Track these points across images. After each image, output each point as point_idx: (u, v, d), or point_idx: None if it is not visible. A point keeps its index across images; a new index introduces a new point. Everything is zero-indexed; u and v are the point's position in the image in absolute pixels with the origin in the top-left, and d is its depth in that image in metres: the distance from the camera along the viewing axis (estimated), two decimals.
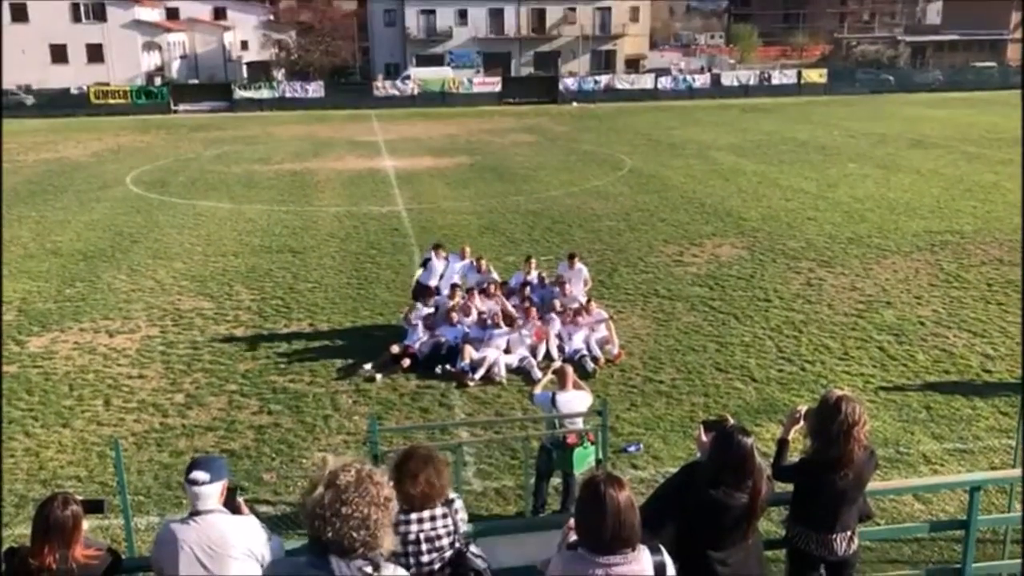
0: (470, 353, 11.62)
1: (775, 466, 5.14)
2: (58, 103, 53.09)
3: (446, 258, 13.64)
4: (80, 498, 4.51)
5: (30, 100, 53.90)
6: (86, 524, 4.38)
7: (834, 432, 4.75)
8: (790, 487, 5.16)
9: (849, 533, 5.03)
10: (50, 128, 44.65)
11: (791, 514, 5.20)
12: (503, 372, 11.52)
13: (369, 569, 2.99)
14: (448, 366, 11.66)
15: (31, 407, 10.92)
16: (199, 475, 4.20)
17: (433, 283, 13.32)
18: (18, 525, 8.10)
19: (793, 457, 5.22)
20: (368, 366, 11.81)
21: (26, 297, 15.47)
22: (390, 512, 3.06)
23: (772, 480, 4.95)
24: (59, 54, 65.69)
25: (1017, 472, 6.73)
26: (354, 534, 2.96)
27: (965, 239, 18.54)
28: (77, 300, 15.28)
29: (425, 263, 13.68)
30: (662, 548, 3.77)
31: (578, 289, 13.36)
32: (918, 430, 9.87)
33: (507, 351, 11.84)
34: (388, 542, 3.06)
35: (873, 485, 5.33)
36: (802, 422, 5.07)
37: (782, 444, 5.16)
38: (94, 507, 4.58)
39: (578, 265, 13.61)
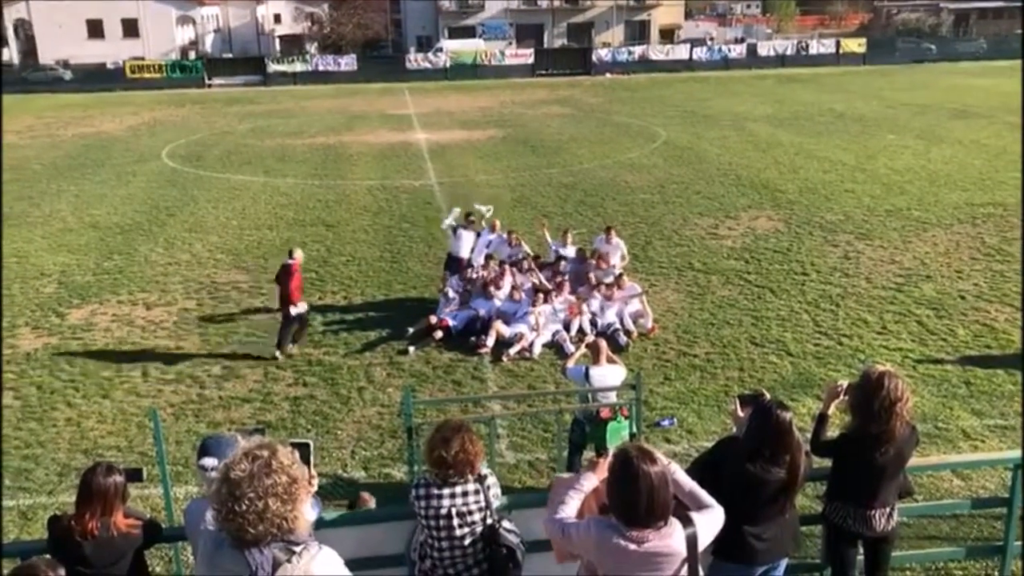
0: (499, 329, 11.63)
1: (814, 441, 5.08)
2: (95, 78, 53.76)
3: (477, 232, 13.62)
4: (121, 467, 4.60)
5: (68, 75, 54.61)
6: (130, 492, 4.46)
7: (876, 408, 4.67)
8: (827, 462, 5.10)
9: (888, 509, 4.97)
10: (87, 103, 45.15)
11: (829, 489, 5.14)
12: (537, 352, 11.49)
13: (283, 556, 2.92)
14: (483, 336, 11.67)
15: (72, 378, 11.13)
16: (208, 461, 4.25)
17: (464, 255, 13.32)
18: (61, 493, 8.29)
19: (832, 432, 5.16)
20: (411, 329, 11.99)
21: (65, 270, 15.72)
22: (296, 496, 2.95)
23: (810, 455, 4.90)
24: (95, 29, 66.34)
25: None
26: (251, 529, 2.87)
27: (1008, 211, 18.13)
28: (115, 273, 15.49)
29: (455, 231, 13.67)
30: (695, 520, 3.73)
31: (615, 261, 13.29)
32: (957, 405, 9.71)
33: (536, 328, 11.77)
34: (301, 524, 2.97)
35: (915, 461, 5.26)
36: (842, 397, 5.00)
37: (822, 419, 5.09)
38: (134, 475, 4.67)
39: (615, 239, 13.53)
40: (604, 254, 13.30)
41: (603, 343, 8.65)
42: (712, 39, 69.54)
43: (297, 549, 2.94)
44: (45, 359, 11.74)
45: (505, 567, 4.48)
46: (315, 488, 3.59)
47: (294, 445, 3.33)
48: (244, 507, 2.86)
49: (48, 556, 4.32)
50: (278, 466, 2.93)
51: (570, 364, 8.79)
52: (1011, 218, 17.58)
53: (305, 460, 3.31)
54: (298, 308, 11.61)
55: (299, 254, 12.05)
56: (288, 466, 2.96)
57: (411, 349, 11.62)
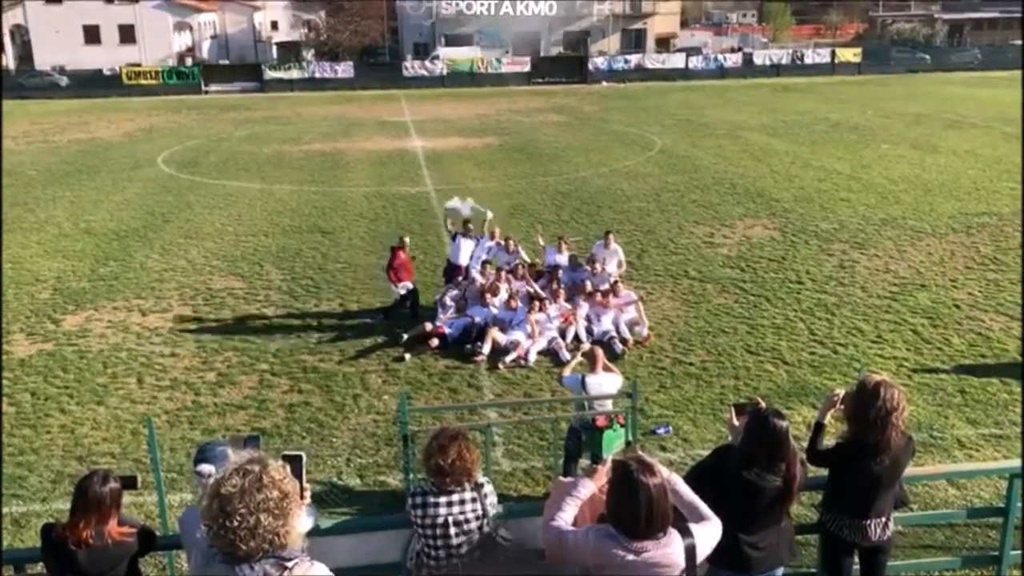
0: (495, 336, 11.62)
1: (810, 450, 5.08)
2: (91, 84, 53.61)
3: (476, 237, 13.63)
4: (115, 474, 4.58)
5: (64, 81, 54.49)
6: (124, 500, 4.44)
7: (872, 417, 4.67)
8: (823, 471, 5.10)
9: (884, 519, 4.97)
10: (83, 108, 45.10)
11: (825, 499, 5.15)
12: (532, 360, 11.48)
13: (275, 571, 2.89)
14: (479, 343, 11.66)
15: (66, 384, 11.09)
16: (205, 468, 4.24)
17: (463, 262, 13.33)
18: (55, 500, 8.26)
19: (828, 441, 5.16)
20: (406, 335, 11.98)
21: (61, 276, 15.68)
22: (288, 511, 2.92)
23: (806, 464, 4.90)
24: (92, 35, 66.29)
25: None
26: (243, 545, 2.85)
27: (1003, 221, 18.19)
28: (110, 279, 15.46)
29: (454, 238, 13.69)
30: (694, 531, 3.72)
31: (612, 268, 13.31)
32: (952, 414, 9.73)
33: (532, 336, 11.77)
34: (293, 539, 2.94)
35: (911, 470, 5.26)
36: (839, 406, 5.00)
37: (818, 428, 5.10)
38: (128, 483, 4.65)
39: (613, 245, 13.60)
40: (601, 260, 13.32)
41: (599, 351, 8.64)
42: (707, 46, 69.71)
43: (289, 564, 2.92)
44: (40, 365, 11.70)
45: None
46: (308, 501, 3.56)
47: (285, 458, 3.30)
48: (235, 523, 2.84)
49: (43, 568, 4.31)
50: (269, 481, 2.90)
51: (566, 372, 8.78)
52: (1005, 227, 17.64)
53: (297, 473, 3.28)
54: (398, 288, 12.86)
55: (406, 240, 13.57)
56: (280, 480, 2.93)
57: (407, 356, 11.61)
